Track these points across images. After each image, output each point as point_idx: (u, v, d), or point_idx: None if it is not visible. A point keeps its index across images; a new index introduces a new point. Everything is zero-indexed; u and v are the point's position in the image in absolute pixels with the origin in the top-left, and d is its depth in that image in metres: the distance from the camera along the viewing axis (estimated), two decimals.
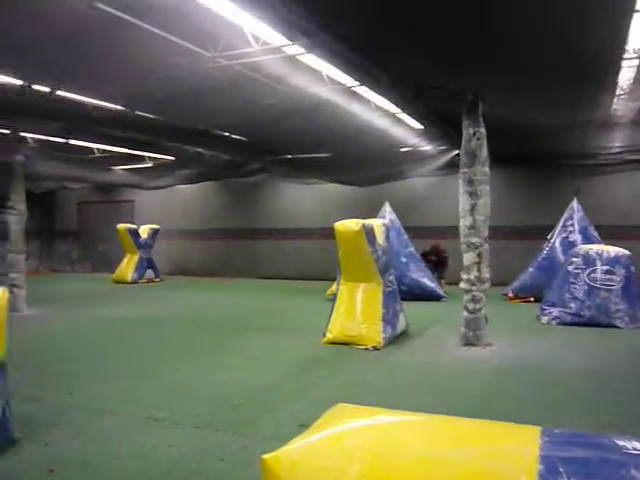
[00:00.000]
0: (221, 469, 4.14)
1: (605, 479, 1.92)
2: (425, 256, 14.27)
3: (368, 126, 11.67)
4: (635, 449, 2.07)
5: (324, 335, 8.46)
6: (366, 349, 7.99)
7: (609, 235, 12.84)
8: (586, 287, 9.84)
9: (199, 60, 7.54)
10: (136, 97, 9.64)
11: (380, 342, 8.06)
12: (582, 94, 9.38)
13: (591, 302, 9.75)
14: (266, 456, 2.33)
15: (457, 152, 10.56)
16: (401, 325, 8.93)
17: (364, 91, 9.40)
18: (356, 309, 8.41)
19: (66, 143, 13.53)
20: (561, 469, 1.98)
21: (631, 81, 8.57)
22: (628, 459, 2.02)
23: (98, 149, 15.04)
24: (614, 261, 9.88)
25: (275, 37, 6.81)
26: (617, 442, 2.14)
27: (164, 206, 21.20)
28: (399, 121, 11.73)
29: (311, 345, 8.36)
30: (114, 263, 19.25)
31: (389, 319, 8.40)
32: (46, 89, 8.79)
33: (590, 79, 8.55)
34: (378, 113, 10.91)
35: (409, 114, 11.13)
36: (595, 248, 10.41)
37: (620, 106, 10.20)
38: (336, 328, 8.39)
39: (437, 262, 14.62)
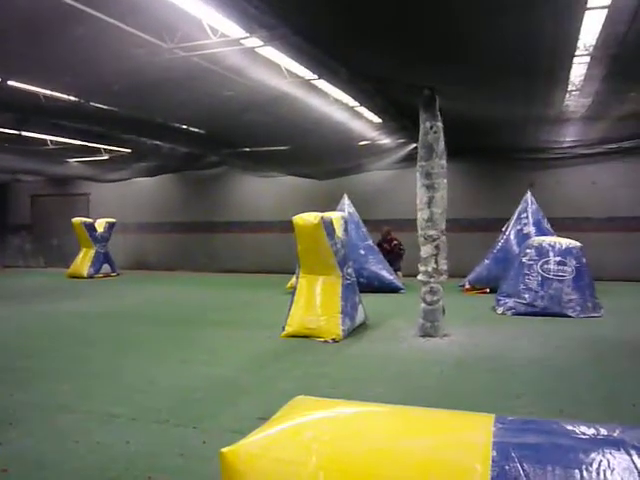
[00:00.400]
0: (180, 464, 4.11)
1: (555, 463, 1.97)
2: (380, 246, 14.18)
3: (327, 119, 11.68)
4: (583, 433, 2.14)
5: (283, 328, 8.46)
6: (325, 341, 8.04)
7: (562, 227, 13.20)
8: (539, 278, 10.09)
9: (156, 51, 7.42)
10: (91, 88, 9.43)
11: (339, 334, 8.12)
12: (536, 90, 9.57)
13: (544, 292, 10.00)
14: (225, 449, 2.32)
15: (415, 145, 10.66)
16: (360, 317, 9.00)
17: (323, 84, 9.40)
18: (315, 302, 8.44)
19: (19, 135, 13.17)
20: (513, 454, 2.02)
21: (582, 77, 8.77)
22: (576, 443, 2.09)
23: (52, 141, 14.68)
24: (566, 252, 10.16)
25: (233, 29, 6.76)
26: (566, 427, 2.21)
27: (121, 199, 20.81)
28: (358, 114, 11.78)
29: (271, 338, 8.36)
30: (69, 257, 18.86)
31: (348, 311, 8.46)
32: None
33: (543, 75, 8.73)
34: (337, 106, 10.93)
35: (367, 107, 11.18)
36: (548, 240, 10.66)
37: (572, 102, 10.44)
38: (295, 321, 8.41)
39: (389, 251, 14.19)
